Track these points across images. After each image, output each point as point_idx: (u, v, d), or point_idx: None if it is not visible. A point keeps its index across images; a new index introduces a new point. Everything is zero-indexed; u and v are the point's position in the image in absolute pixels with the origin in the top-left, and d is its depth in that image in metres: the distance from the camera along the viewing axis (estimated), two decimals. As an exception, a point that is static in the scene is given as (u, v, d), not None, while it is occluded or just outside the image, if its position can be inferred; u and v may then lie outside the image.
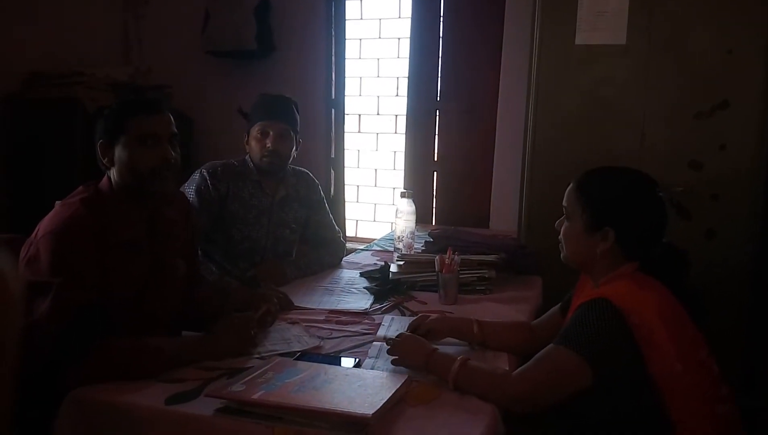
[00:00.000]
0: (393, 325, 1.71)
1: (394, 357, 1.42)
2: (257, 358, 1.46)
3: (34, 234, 1.41)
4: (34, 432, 1.32)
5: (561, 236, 1.45)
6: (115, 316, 1.41)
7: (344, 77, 3.61)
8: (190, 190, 2.13)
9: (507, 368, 1.44)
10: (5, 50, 2.99)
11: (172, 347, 1.42)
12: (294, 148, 2.23)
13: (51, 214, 1.43)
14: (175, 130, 1.53)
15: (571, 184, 1.44)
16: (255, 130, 2.17)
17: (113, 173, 1.50)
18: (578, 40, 2.48)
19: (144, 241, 1.52)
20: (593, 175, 1.43)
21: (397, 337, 1.46)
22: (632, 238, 1.37)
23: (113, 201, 1.49)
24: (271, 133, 2.15)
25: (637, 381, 1.25)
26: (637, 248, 1.38)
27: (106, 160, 1.50)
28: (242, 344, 1.49)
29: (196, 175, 2.17)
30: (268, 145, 2.15)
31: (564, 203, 1.44)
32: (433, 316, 1.64)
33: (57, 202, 1.48)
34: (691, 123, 2.40)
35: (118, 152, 1.48)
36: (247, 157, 2.23)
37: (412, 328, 1.57)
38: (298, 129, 2.25)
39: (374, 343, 1.59)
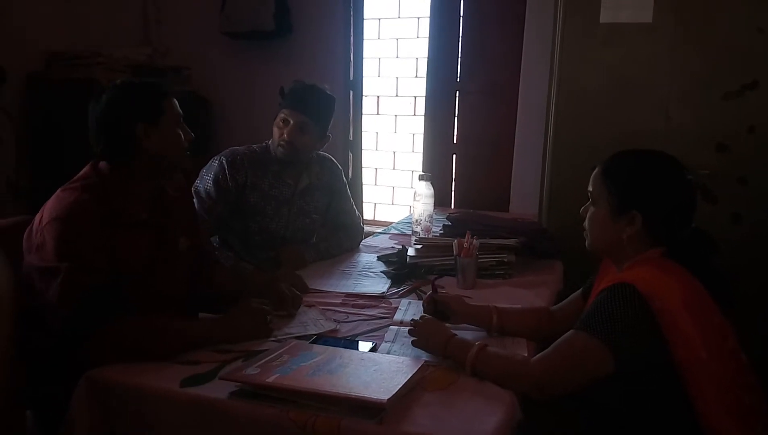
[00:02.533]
0: (410, 309, 1.69)
1: (411, 340, 1.41)
2: (273, 340, 1.46)
3: (38, 221, 1.42)
4: (51, 409, 1.33)
5: (586, 222, 1.41)
6: (126, 295, 1.42)
7: (362, 58, 3.56)
8: (208, 176, 2.10)
9: (526, 354, 1.42)
10: (26, 30, 3.00)
11: (187, 328, 1.43)
12: (316, 142, 2.16)
13: (53, 200, 1.44)
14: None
15: (596, 169, 1.40)
16: (278, 117, 2.12)
17: (142, 155, 1.50)
18: (603, 18, 2.41)
19: (148, 218, 1.52)
20: (620, 158, 1.39)
21: (419, 319, 1.45)
22: (659, 222, 1.33)
23: (115, 181, 1.49)
24: (291, 122, 2.08)
25: (660, 368, 1.22)
26: (664, 232, 1.34)
27: (147, 140, 1.49)
28: (257, 330, 1.48)
29: (215, 163, 2.12)
30: (284, 135, 2.09)
31: (589, 188, 1.40)
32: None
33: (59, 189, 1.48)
34: (718, 103, 2.33)
35: (162, 132, 1.50)
36: (270, 142, 2.18)
37: (429, 302, 1.57)
38: (328, 125, 2.16)
39: (391, 327, 1.58)
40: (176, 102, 1.56)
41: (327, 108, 2.15)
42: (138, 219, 1.49)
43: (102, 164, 1.51)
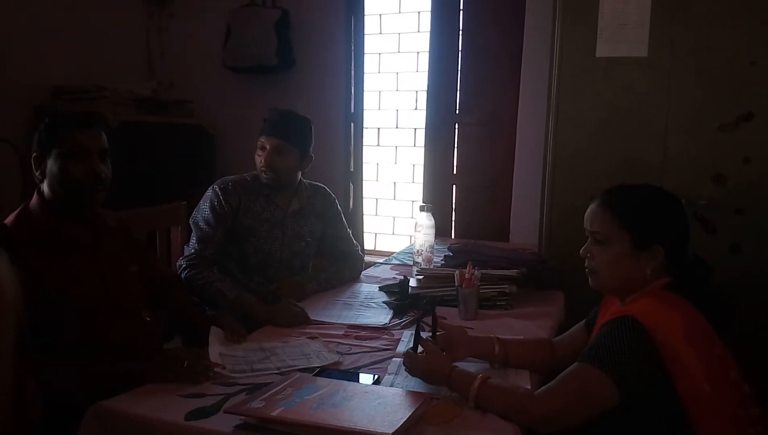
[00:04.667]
0: (412, 341, 1.69)
1: (413, 370, 1.41)
2: (276, 373, 1.46)
3: None
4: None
5: (595, 264, 1.39)
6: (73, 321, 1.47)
7: (363, 91, 3.62)
8: (205, 206, 2.16)
9: (529, 386, 1.42)
10: (31, 64, 3.05)
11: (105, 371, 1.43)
12: (297, 164, 2.19)
13: None
14: (107, 145, 1.58)
15: (595, 208, 1.39)
16: (257, 146, 2.19)
17: (45, 187, 1.55)
18: (599, 52, 2.45)
19: (89, 244, 1.57)
20: (622, 194, 1.39)
21: (413, 351, 1.44)
22: (678, 253, 1.35)
23: (43, 211, 1.53)
24: (267, 147, 2.15)
25: (663, 401, 1.23)
26: (681, 261, 1.35)
27: (38, 172, 1.55)
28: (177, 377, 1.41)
29: (209, 192, 2.19)
30: (262, 161, 2.16)
31: (594, 229, 1.38)
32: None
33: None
34: (714, 135, 2.36)
35: (50, 165, 1.52)
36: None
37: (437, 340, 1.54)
38: (306, 145, 2.20)
39: (393, 359, 1.58)
40: (83, 134, 1.53)
41: (300, 128, 2.20)
42: (78, 244, 1.54)
43: (33, 200, 1.57)
